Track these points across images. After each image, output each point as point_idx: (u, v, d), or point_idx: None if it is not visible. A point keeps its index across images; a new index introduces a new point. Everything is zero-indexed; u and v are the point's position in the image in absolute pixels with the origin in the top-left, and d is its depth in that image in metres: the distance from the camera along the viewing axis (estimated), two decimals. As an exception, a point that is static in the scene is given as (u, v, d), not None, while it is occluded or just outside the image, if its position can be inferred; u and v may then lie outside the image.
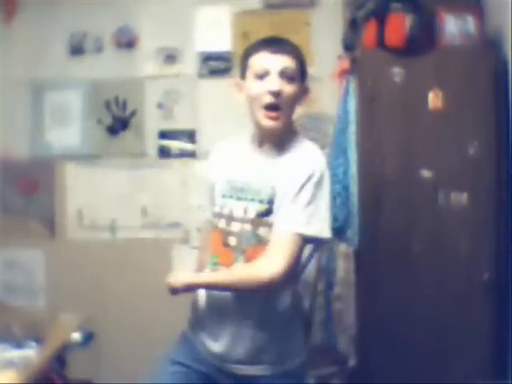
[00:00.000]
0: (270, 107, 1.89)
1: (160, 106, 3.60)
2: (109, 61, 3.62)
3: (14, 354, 2.26)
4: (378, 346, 2.72)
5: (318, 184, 1.90)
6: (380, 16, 2.76)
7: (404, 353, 2.69)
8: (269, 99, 1.88)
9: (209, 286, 1.99)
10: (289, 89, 1.89)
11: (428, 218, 2.71)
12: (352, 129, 2.80)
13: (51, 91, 3.65)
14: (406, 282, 2.71)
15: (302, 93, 1.97)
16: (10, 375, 2.09)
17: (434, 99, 2.70)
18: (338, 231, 2.84)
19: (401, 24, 2.72)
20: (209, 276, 2.01)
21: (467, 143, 2.68)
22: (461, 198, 2.68)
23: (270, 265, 1.87)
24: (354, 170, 2.78)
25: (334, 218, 2.82)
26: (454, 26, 2.78)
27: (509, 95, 2.60)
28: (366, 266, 2.78)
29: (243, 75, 1.98)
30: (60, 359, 2.54)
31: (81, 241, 3.65)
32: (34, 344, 2.33)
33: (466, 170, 2.69)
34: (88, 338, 2.59)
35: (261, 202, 1.94)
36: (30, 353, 2.28)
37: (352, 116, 2.80)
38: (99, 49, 3.63)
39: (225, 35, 3.51)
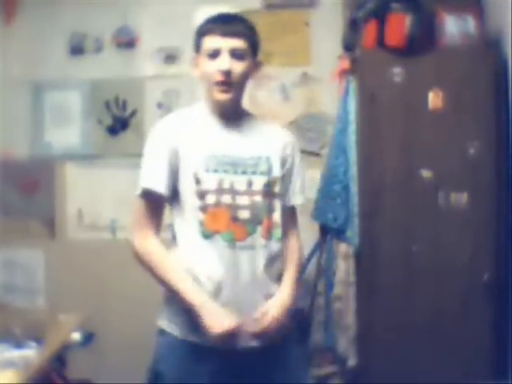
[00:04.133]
0: (221, 84, 1.99)
1: (160, 106, 3.60)
2: (109, 61, 3.62)
3: (14, 354, 2.26)
4: (378, 346, 2.72)
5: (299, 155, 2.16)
6: (380, 16, 2.76)
7: (404, 353, 2.69)
8: (220, 77, 1.98)
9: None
10: (239, 67, 1.98)
11: (428, 218, 2.71)
12: (352, 129, 2.80)
13: (51, 91, 3.65)
14: (405, 282, 2.71)
15: (254, 67, 2.06)
16: (9, 375, 2.09)
17: (434, 99, 2.70)
18: (338, 231, 2.85)
19: (401, 24, 2.72)
20: (286, 297, 2.06)
21: (467, 143, 2.68)
22: (461, 198, 2.68)
23: (297, 241, 2.18)
24: (354, 170, 2.78)
25: (334, 218, 2.83)
26: (453, 26, 2.78)
27: (509, 95, 2.60)
28: (365, 267, 2.78)
29: (198, 51, 2.04)
30: (60, 359, 2.54)
31: (81, 241, 3.65)
32: (34, 344, 2.33)
33: (466, 170, 2.69)
34: (88, 338, 2.59)
35: (262, 173, 2.03)
36: (30, 353, 2.28)
37: (352, 116, 2.80)
38: (99, 49, 3.63)
39: (199, 30, 3.49)
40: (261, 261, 2.00)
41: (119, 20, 3.60)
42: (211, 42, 1.98)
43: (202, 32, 2.02)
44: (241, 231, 1.98)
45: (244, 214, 1.99)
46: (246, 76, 2.01)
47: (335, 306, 2.95)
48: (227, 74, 1.96)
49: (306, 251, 3.15)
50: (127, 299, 3.52)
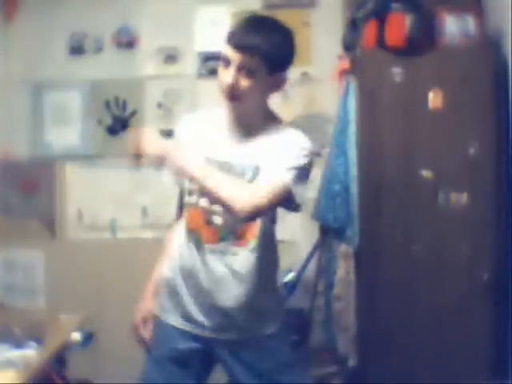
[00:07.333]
0: (227, 94, 1.96)
1: (160, 106, 3.60)
2: (109, 61, 3.63)
3: (14, 354, 2.26)
4: (378, 346, 2.72)
5: (309, 163, 1.98)
6: (380, 16, 2.76)
7: (404, 353, 2.69)
8: (226, 88, 1.95)
9: (185, 173, 1.92)
10: (245, 83, 1.93)
11: (428, 218, 2.71)
12: (352, 129, 2.80)
13: (51, 91, 3.66)
14: (405, 281, 2.71)
15: (271, 84, 1.98)
16: (10, 375, 2.09)
17: (434, 99, 2.70)
18: (338, 231, 2.85)
19: (401, 24, 2.72)
20: (194, 164, 1.90)
21: (467, 143, 2.67)
22: (461, 198, 2.68)
23: (246, 198, 1.87)
24: (353, 170, 2.78)
25: (334, 218, 2.82)
26: (454, 26, 2.78)
27: (509, 95, 2.60)
28: (365, 266, 2.78)
29: None
30: (60, 359, 2.54)
31: (81, 241, 3.65)
32: (34, 344, 2.33)
33: (466, 170, 2.69)
34: (88, 338, 2.59)
35: (248, 182, 1.97)
36: (30, 353, 2.28)
37: (352, 116, 2.80)
38: (99, 49, 3.63)
39: (224, 35, 3.51)
40: (236, 268, 2.01)
41: (119, 20, 3.60)
42: (226, 51, 1.95)
43: (225, 37, 1.98)
44: (213, 235, 2.02)
45: (217, 220, 2.01)
46: (256, 92, 1.95)
47: (335, 306, 2.95)
48: (231, 87, 1.92)
49: (306, 251, 3.17)
50: (127, 299, 3.50)
